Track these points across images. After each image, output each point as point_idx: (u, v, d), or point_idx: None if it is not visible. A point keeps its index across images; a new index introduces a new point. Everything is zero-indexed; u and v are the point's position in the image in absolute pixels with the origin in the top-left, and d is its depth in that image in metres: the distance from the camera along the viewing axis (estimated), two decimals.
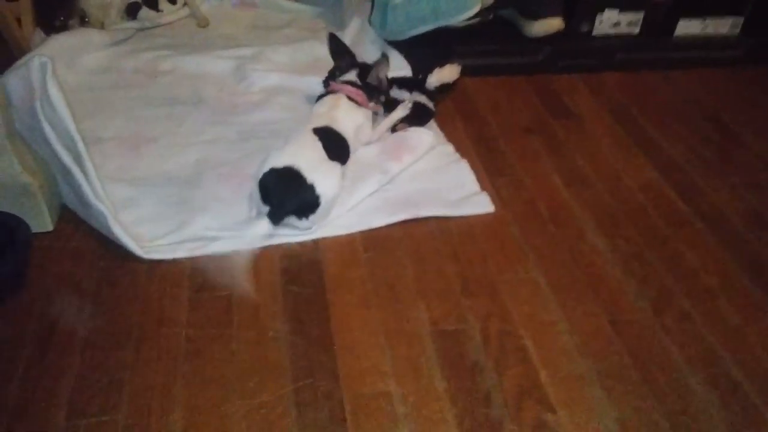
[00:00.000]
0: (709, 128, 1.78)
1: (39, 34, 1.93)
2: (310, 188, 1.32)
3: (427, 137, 1.60)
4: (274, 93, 1.80)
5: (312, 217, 1.34)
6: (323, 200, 1.33)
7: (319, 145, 1.40)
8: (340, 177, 1.40)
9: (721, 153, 1.68)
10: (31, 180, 1.30)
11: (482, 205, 1.46)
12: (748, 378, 1.13)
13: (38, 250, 1.31)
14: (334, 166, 1.40)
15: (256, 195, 1.35)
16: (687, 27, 2.07)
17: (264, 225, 1.31)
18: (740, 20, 2.08)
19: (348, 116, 1.52)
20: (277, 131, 1.66)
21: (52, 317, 1.19)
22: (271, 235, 1.34)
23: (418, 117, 1.65)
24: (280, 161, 1.34)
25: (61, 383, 1.07)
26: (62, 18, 1.96)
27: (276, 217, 1.32)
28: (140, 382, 1.08)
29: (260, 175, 1.34)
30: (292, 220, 1.34)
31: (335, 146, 1.44)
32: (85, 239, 1.34)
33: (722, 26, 2.09)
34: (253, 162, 1.53)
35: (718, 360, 1.16)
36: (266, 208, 1.32)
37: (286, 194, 1.32)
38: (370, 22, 1.97)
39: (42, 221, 1.34)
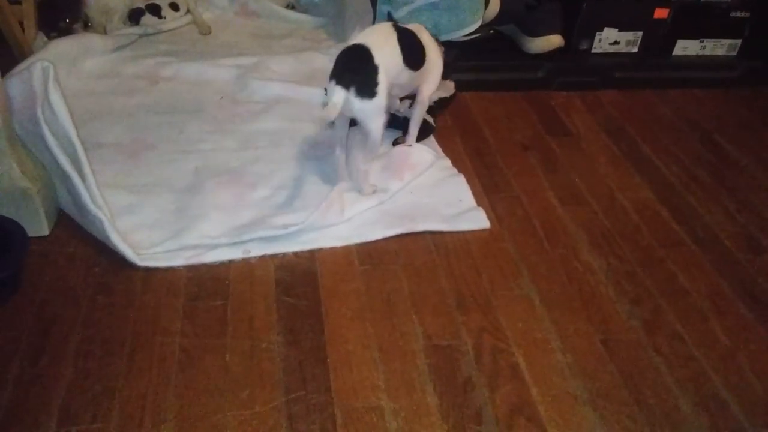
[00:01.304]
0: (704, 149, 1.80)
1: (41, 37, 1.94)
2: (375, 67, 1.34)
3: (428, 155, 1.61)
4: (275, 102, 1.81)
5: (368, 103, 1.33)
6: (379, 89, 1.34)
7: (395, 38, 1.41)
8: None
9: (716, 174, 1.69)
10: (30, 184, 1.31)
11: (478, 220, 1.47)
12: (737, 400, 1.13)
13: (34, 254, 1.31)
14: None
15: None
16: (685, 48, 2.10)
17: (339, 94, 1.31)
18: (737, 42, 2.10)
19: (431, 45, 1.52)
20: (277, 140, 1.67)
21: (45, 323, 1.19)
22: (268, 240, 1.36)
23: (419, 132, 1.66)
24: (353, 41, 1.39)
25: (53, 390, 1.08)
26: (67, 20, 1.96)
27: (342, 79, 1.32)
28: (132, 391, 1.08)
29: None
30: (352, 96, 1.32)
31: (412, 50, 1.44)
32: (80, 245, 1.35)
33: (720, 48, 2.11)
34: (253, 171, 1.55)
35: (708, 382, 1.16)
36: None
37: (354, 62, 1.34)
38: None
39: (38, 226, 1.35)
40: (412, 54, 1.44)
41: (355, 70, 1.34)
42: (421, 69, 1.49)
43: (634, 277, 1.36)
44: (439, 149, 1.67)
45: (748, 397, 1.14)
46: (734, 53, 2.12)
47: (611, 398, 1.12)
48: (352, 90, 1.32)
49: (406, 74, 1.44)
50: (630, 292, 1.33)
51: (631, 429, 1.08)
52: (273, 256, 1.35)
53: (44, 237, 1.35)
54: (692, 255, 1.43)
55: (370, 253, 1.38)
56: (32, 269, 1.29)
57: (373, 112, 1.36)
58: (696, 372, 1.18)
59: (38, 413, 1.04)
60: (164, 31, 2.13)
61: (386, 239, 1.41)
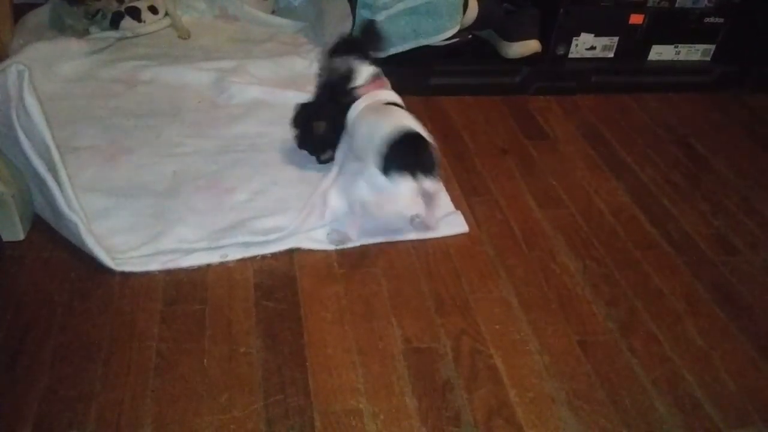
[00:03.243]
0: (679, 153, 1.82)
1: (17, 40, 1.91)
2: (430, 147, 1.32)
3: None
4: (254, 106, 1.81)
5: (432, 179, 1.30)
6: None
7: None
8: None
9: (690, 178, 1.72)
10: (4, 189, 1.29)
11: (457, 225, 1.47)
12: (711, 400, 1.15)
13: (9, 260, 1.30)
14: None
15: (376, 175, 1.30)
16: (660, 53, 2.13)
17: (408, 185, 1.28)
18: (711, 48, 2.14)
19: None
20: (255, 145, 1.66)
21: (21, 329, 1.17)
22: (247, 244, 1.35)
23: None
24: (399, 127, 1.31)
25: (29, 396, 1.06)
26: None
27: (414, 170, 1.27)
28: (109, 396, 1.07)
29: (386, 139, 1.30)
30: (421, 180, 1.29)
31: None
32: (56, 250, 1.33)
33: (694, 53, 2.15)
34: (232, 175, 1.55)
35: (683, 382, 1.18)
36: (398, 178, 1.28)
37: (420, 148, 1.30)
38: None
39: (13, 230, 1.33)
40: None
41: (421, 156, 1.30)
42: None
43: (611, 279, 1.38)
44: None
45: (721, 396, 1.16)
46: (708, 58, 2.15)
47: (588, 399, 1.14)
48: (421, 176, 1.28)
49: None
50: (606, 293, 1.35)
51: (607, 429, 1.09)
52: (252, 259, 1.34)
53: (19, 242, 1.34)
54: (667, 257, 1.46)
55: (349, 257, 1.38)
56: (7, 275, 1.27)
57: (439, 186, 1.38)
58: (671, 372, 1.20)
59: (14, 420, 1.03)
60: (143, 35, 2.11)
61: (366, 243, 1.41)
